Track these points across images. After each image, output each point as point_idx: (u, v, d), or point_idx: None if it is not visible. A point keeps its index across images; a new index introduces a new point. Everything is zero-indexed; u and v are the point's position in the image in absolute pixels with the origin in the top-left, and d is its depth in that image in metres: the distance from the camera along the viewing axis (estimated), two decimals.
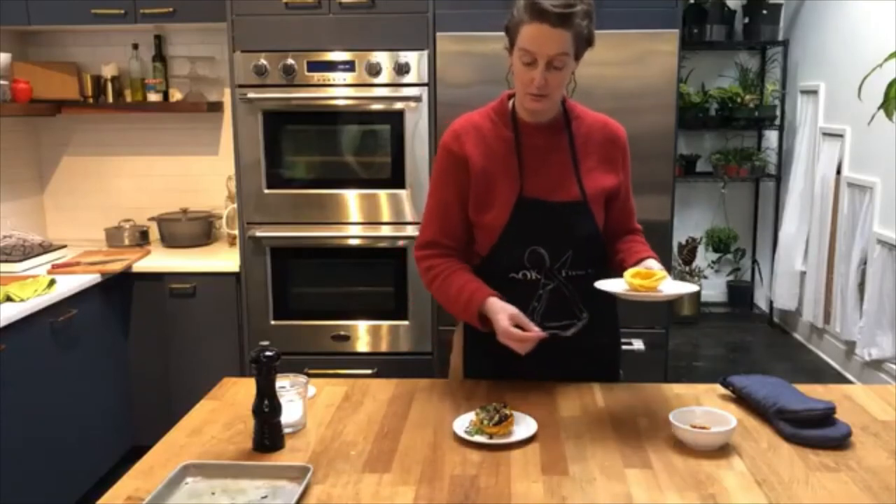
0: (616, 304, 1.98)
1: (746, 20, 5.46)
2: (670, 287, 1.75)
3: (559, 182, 1.87)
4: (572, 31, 1.71)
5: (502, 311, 1.76)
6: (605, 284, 1.76)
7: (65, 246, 3.48)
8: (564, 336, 1.87)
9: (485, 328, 1.81)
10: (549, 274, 1.86)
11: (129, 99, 3.73)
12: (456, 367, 2.04)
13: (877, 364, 4.16)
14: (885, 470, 1.48)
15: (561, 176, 1.87)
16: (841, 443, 1.57)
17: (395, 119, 3.21)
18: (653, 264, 1.80)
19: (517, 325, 1.75)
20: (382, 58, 3.16)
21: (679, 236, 5.48)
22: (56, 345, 2.90)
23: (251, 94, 3.18)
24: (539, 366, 1.87)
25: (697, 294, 5.55)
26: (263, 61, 3.16)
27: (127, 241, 3.67)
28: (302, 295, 3.36)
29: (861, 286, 4.31)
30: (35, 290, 2.80)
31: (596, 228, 1.89)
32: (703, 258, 5.73)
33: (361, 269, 3.34)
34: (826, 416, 1.61)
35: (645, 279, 1.71)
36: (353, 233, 3.29)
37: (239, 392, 1.88)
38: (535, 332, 1.74)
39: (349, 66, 3.17)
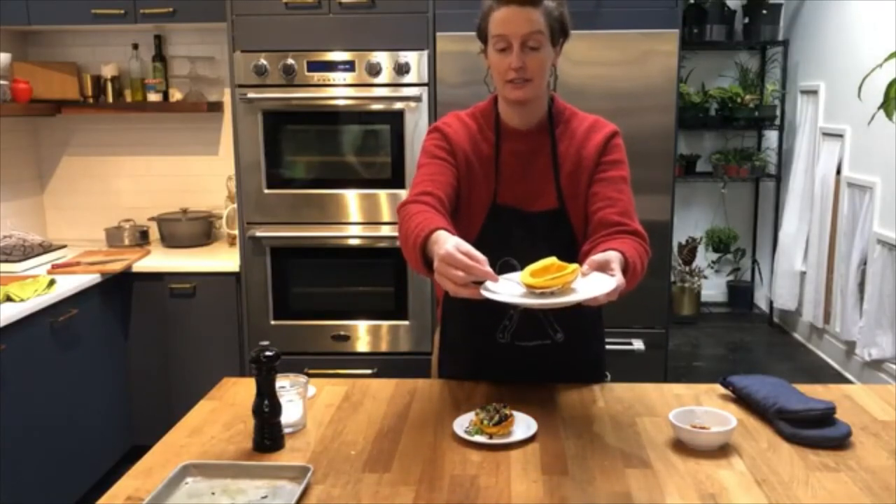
0: (601, 313, 1.92)
1: (746, 20, 5.46)
2: (589, 284, 1.45)
3: (537, 190, 1.81)
4: (542, 10, 1.72)
5: (449, 241, 1.47)
6: (495, 290, 1.45)
7: (65, 246, 3.48)
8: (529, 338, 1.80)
9: (431, 273, 1.54)
10: None
11: (129, 99, 3.74)
12: (434, 367, 2.03)
13: (877, 364, 4.16)
14: (885, 470, 1.48)
15: (540, 183, 1.81)
16: (841, 443, 1.57)
17: (395, 119, 3.21)
18: (611, 256, 1.54)
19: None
20: (382, 58, 3.16)
21: (679, 236, 5.48)
22: (56, 345, 2.90)
23: (251, 94, 3.18)
24: (513, 370, 1.87)
25: (697, 294, 5.56)
26: (263, 61, 3.16)
27: (127, 241, 3.67)
28: (302, 295, 3.36)
29: (861, 286, 4.31)
30: (35, 290, 2.81)
31: (573, 237, 1.81)
32: (703, 258, 5.73)
33: (361, 269, 3.34)
34: (826, 416, 1.61)
35: (556, 273, 1.44)
36: (353, 233, 3.29)
37: (239, 392, 1.88)
38: (483, 261, 1.44)
39: (349, 66, 3.17)
